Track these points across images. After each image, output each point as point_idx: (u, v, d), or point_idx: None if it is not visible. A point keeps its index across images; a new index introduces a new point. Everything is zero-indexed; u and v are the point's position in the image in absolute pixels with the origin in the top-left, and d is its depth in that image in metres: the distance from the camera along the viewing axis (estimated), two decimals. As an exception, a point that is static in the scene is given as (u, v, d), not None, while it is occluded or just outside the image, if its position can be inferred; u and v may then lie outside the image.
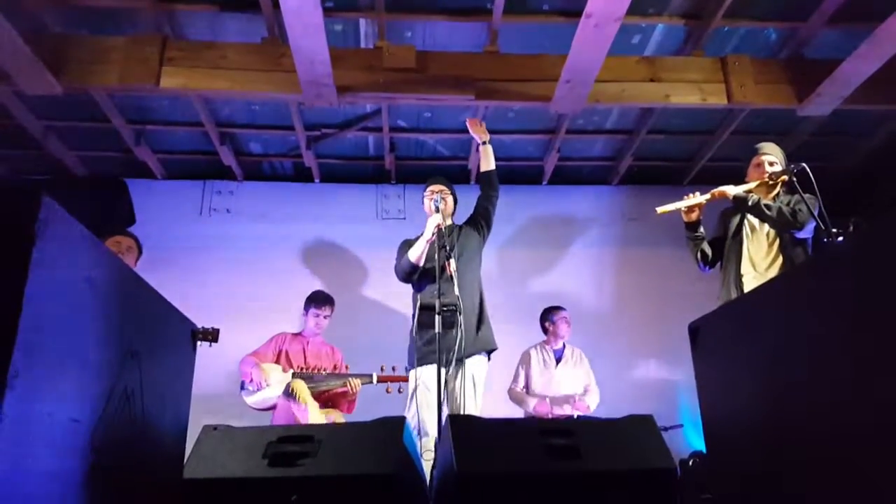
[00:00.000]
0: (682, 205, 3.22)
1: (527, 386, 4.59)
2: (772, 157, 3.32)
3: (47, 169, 5.44)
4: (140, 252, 3.81)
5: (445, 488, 1.87)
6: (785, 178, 3.09)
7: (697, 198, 3.21)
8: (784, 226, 3.06)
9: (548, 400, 4.42)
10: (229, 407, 3.92)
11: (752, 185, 3.20)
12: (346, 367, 4.23)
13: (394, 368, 3.97)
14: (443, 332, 3.00)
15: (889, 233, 1.07)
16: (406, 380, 3.71)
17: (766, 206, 3.08)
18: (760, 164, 3.31)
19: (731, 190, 3.18)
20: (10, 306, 0.91)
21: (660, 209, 3.18)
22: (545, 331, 4.74)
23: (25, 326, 0.93)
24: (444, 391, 2.97)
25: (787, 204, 3.08)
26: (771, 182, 3.19)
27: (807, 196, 2.97)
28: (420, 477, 2.15)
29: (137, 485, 1.38)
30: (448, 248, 3.28)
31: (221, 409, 3.61)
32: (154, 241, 5.13)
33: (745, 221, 3.30)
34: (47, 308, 1.00)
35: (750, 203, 3.11)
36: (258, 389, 3.93)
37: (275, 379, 3.98)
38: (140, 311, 1.41)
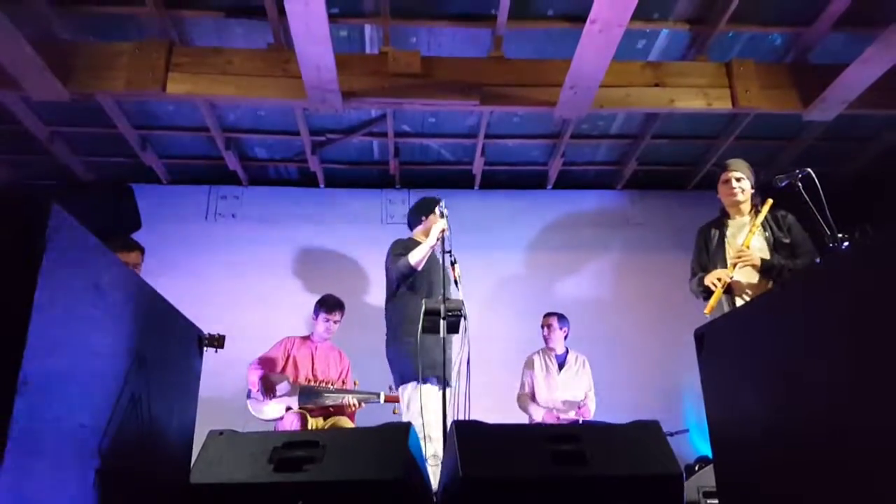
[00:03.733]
0: (720, 293, 3.18)
1: (532, 392, 4.58)
2: (738, 173, 3.38)
3: (54, 174, 5.47)
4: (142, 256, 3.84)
5: (450, 493, 1.87)
6: (768, 204, 3.22)
7: (725, 277, 3.17)
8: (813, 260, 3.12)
9: (555, 411, 4.41)
10: (234, 412, 3.92)
11: (755, 224, 3.20)
12: (355, 383, 4.21)
13: None
14: (447, 337, 3.02)
15: (890, 241, 1.07)
16: None
17: (790, 269, 3.11)
18: (728, 181, 3.38)
19: (755, 259, 3.16)
20: (20, 313, 0.92)
21: (708, 311, 3.17)
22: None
23: (35, 333, 0.94)
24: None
25: (789, 236, 3.19)
26: (756, 210, 3.29)
27: (789, 218, 3.17)
28: (425, 482, 2.15)
29: (144, 489, 1.38)
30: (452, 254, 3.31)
31: (227, 414, 3.62)
32: (160, 246, 5.16)
33: (726, 233, 3.37)
34: (56, 315, 1.01)
35: (776, 268, 3.12)
36: (263, 401, 3.93)
37: (281, 391, 3.97)
38: (147, 316, 1.42)
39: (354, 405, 3.97)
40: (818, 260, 3.03)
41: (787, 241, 3.19)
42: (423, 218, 3.88)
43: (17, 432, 0.90)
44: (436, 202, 3.78)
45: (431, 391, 3.35)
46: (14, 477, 0.90)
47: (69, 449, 1.06)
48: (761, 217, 3.23)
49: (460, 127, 5.09)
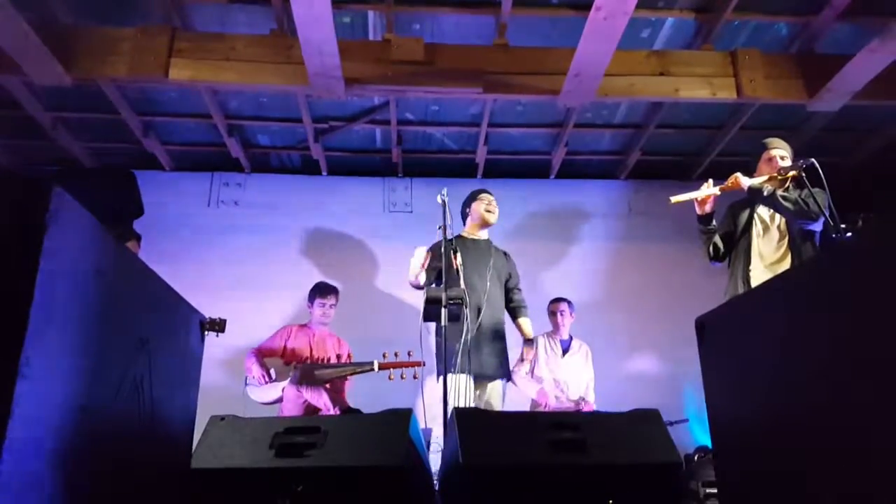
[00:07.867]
0: (695, 195, 3.20)
1: (531, 370, 4.59)
2: (783, 151, 3.29)
3: (57, 160, 5.47)
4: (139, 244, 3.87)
5: (451, 480, 1.88)
6: (795, 173, 3.06)
7: (711, 189, 3.19)
8: (800, 215, 3.03)
9: (548, 394, 4.41)
10: (235, 398, 3.95)
11: (763, 178, 3.18)
12: (350, 358, 4.24)
13: (396, 354, 3.94)
14: (448, 325, 3.03)
15: (892, 231, 1.06)
16: (411, 365, 3.84)
17: (782, 196, 3.06)
18: (772, 159, 3.26)
19: (745, 181, 3.15)
20: (21, 295, 0.92)
21: (673, 199, 3.16)
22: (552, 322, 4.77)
23: (37, 315, 0.94)
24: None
25: (800, 196, 3.07)
26: (780, 177, 3.16)
27: (815, 190, 2.95)
28: (426, 469, 2.16)
29: (145, 473, 1.39)
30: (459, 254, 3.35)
31: (227, 400, 3.63)
32: (162, 233, 5.17)
33: (755, 216, 3.27)
34: (58, 297, 1.01)
35: (765, 193, 3.09)
36: (261, 384, 3.96)
37: (277, 372, 4.01)
38: (149, 300, 1.42)
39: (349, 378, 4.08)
40: (813, 227, 2.99)
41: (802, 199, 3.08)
42: (468, 210, 3.98)
43: (19, 414, 0.90)
44: (478, 191, 3.97)
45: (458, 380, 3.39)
46: (15, 458, 0.91)
47: (70, 431, 1.06)
48: (785, 176, 3.12)
49: (463, 115, 5.07)
